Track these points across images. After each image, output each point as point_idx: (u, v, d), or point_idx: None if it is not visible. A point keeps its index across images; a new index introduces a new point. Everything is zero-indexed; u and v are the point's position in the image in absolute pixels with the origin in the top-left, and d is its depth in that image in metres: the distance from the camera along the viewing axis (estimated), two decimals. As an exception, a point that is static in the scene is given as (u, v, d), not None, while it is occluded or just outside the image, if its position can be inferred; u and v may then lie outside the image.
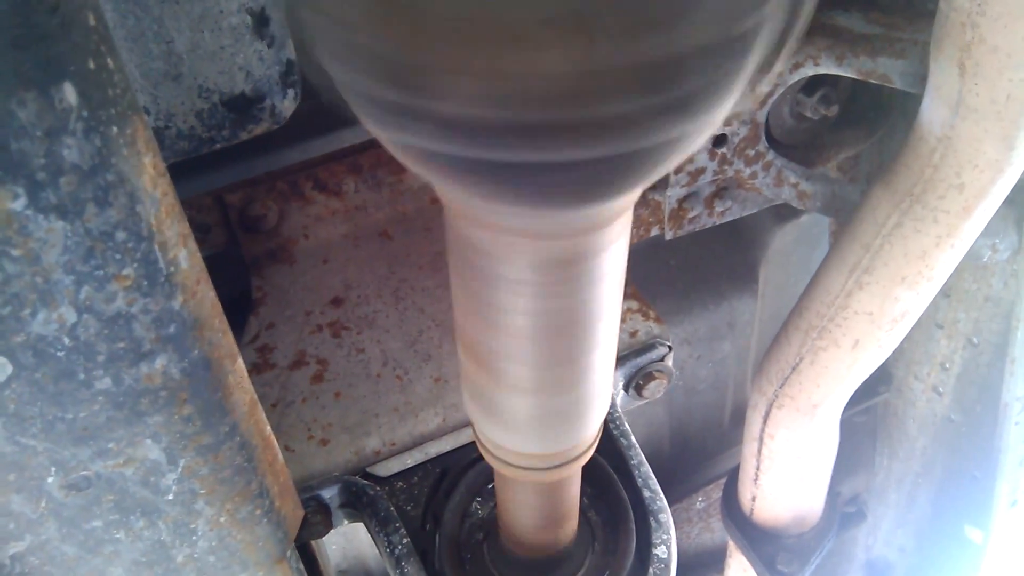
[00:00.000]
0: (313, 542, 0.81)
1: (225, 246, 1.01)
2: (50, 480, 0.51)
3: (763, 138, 1.04)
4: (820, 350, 0.99)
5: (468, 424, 0.70)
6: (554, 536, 0.71)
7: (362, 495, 0.81)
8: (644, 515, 0.80)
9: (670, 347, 0.94)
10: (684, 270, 1.42)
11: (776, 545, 1.25)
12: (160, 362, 0.49)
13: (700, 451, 1.62)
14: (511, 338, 0.48)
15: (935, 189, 0.83)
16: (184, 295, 0.48)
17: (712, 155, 1.04)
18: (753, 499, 1.23)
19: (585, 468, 0.63)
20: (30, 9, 0.36)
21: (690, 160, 1.03)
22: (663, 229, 1.12)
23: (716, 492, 1.55)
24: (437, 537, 0.80)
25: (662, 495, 0.82)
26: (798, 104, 1.08)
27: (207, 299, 0.51)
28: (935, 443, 1.41)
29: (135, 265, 0.44)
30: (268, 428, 0.63)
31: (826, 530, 1.26)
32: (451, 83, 0.30)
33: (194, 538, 0.59)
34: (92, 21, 0.39)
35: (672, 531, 0.80)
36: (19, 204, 0.39)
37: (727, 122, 1.01)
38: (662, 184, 1.07)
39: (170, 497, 0.56)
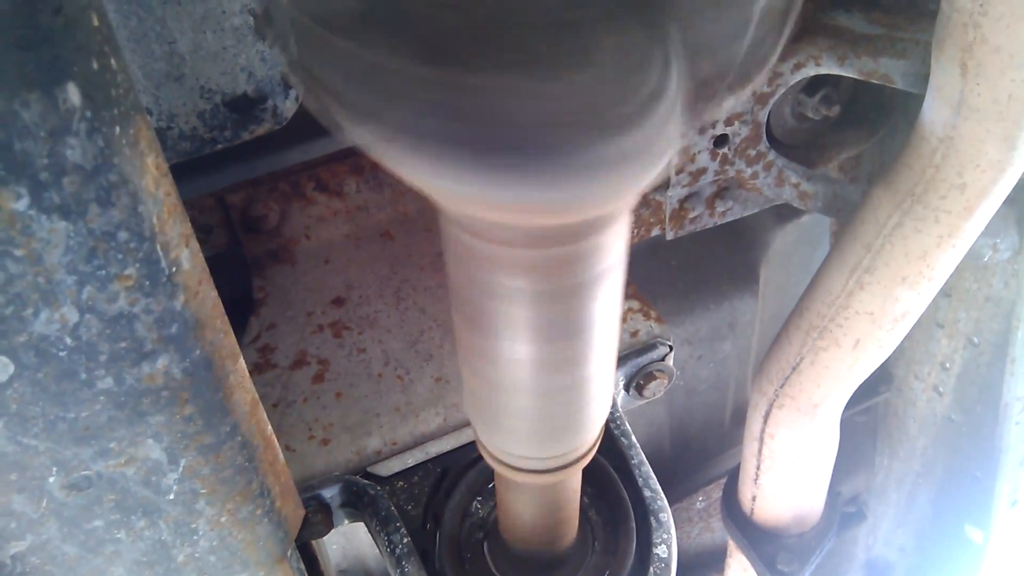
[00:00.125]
0: (314, 542, 0.81)
1: (227, 246, 1.01)
2: (51, 480, 0.51)
3: (764, 138, 1.04)
4: (821, 350, 0.99)
5: (469, 424, 0.71)
6: (554, 536, 0.71)
7: (363, 495, 0.81)
8: (645, 515, 0.80)
9: (671, 347, 0.94)
10: (685, 270, 1.42)
11: (776, 545, 1.25)
12: (162, 362, 0.49)
13: (701, 451, 1.62)
14: (509, 342, 0.48)
15: (936, 189, 0.83)
16: (186, 295, 0.48)
17: (713, 155, 1.04)
18: (753, 499, 1.23)
19: (586, 468, 0.63)
20: (34, 10, 0.36)
21: (691, 160, 1.04)
22: (664, 229, 1.12)
23: (716, 492, 1.55)
24: (437, 537, 0.80)
25: (663, 495, 0.82)
26: (799, 104, 1.08)
27: (209, 299, 0.51)
28: (935, 443, 1.41)
29: (137, 265, 0.45)
30: (269, 428, 0.63)
31: (826, 530, 1.27)
32: None
33: (195, 538, 0.59)
34: (95, 22, 0.39)
35: (673, 531, 0.80)
36: (22, 204, 0.39)
37: (728, 122, 1.01)
38: (663, 184, 1.07)
39: (171, 497, 0.56)
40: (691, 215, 1.12)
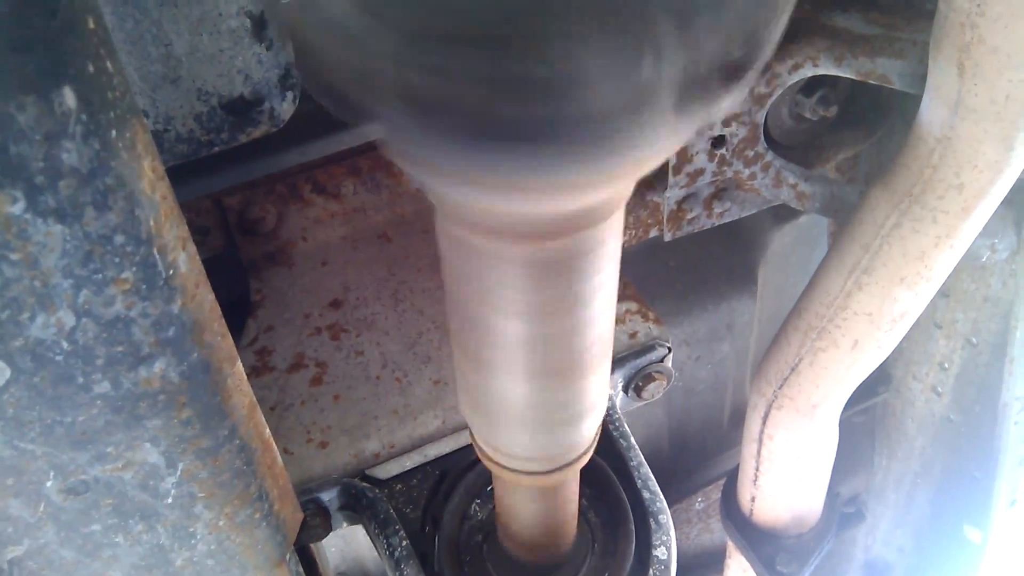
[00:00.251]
0: (312, 545, 0.81)
1: (224, 249, 1.01)
2: (49, 484, 0.50)
3: (762, 139, 1.04)
4: (819, 351, 0.99)
5: (467, 426, 0.70)
6: (553, 538, 0.71)
7: (361, 497, 0.81)
8: (644, 516, 0.80)
9: (669, 348, 0.94)
10: (683, 271, 1.42)
11: (775, 546, 1.25)
12: (159, 366, 0.49)
13: (699, 452, 1.62)
14: (505, 342, 0.48)
15: (934, 189, 0.83)
16: (183, 298, 0.48)
17: (711, 156, 1.04)
18: (752, 500, 1.23)
19: (584, 469, 0.63)
20: (30, 12, 0.35)
21: (689, 161, 1.04)
22: (662, 230, 1.12)
23: (715, 493, 1.55)
24: (436, 539, 0.80)
25: (662, 496, 0.82)
26: (797, 105, 1.08)
27: (206, 302, 0.51)
28: (934, 443, 1.42)
29: (134, 268, 0.44)
30: (267, 431, 0.63)
31: (825, 530, 1.27)
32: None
33: (193, 542, 0.59)
34: (91, 24, 0.39)
35: (672, 532, 0.80)
36: (18, 208, 0.39)
37: (726, 123, 1.01)
38: (661, 185, 1.07)
39: (169, 501, 0.55)
40: (689, 216, 1.12)
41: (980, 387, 1.27)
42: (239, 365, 0.56)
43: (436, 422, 0.86)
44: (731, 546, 1.33)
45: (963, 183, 0.81)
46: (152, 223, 0.44)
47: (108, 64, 0.40)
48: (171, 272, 0.47)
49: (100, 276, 0.43)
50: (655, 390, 0.95)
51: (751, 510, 1.25)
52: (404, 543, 0.78)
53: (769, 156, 1.06)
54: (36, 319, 0.43)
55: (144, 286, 0.45)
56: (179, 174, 0.70)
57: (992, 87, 0.74)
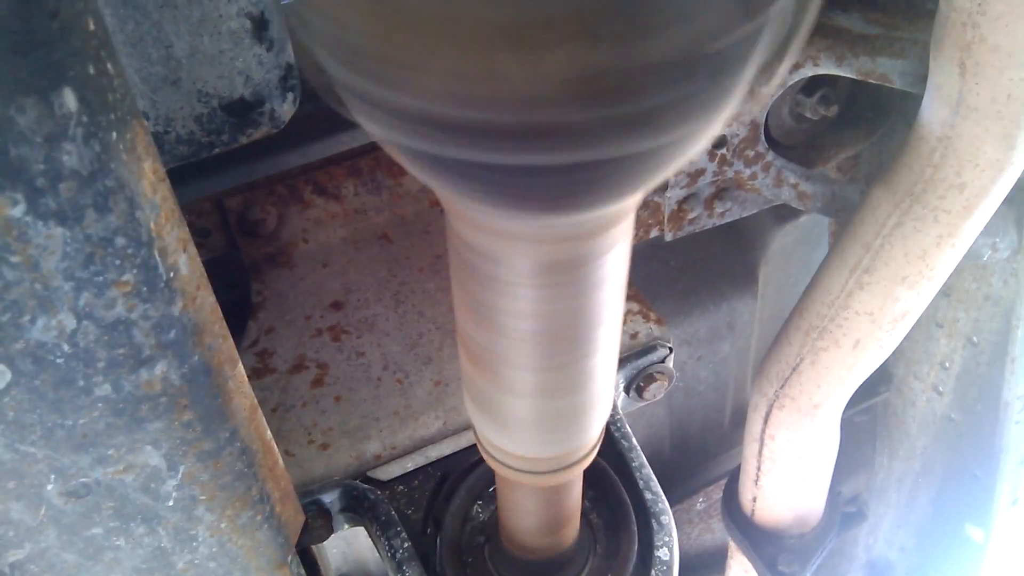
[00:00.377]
0: (314, 546, 0.81)
1: (224, 250, 1.00)
2: (50, 487, 0.50)
3: (762, 139, 1.04)
4: (821, 350, 0.99)
5: (469, 427, 0.70)
6: (556, 539, 0.70)
7: (363, 499, 0.81)
8: (646, 517, 0.80)
9: (671, 348, 0.94)
10: (684, 271, 1.42)
11: (777, 546, 1.25)
12: (160, 368, 0.48)
13: (701, 452, 1.62)
14: (512, 341, 0.48)
15: (935, 189, 0.83)
16: (184, 300, 0.48)
17: (712, 156, 1.04)
18: (754, 500, 1.23)
19: (587, 471, 0.63)
20: (30, 14, 0.35)
21: (690, 161, 1.03)
22: (663, 230, 1.12)
23: (717, 493, 1.55)
24: (438, 541, 0.79)
25: (664, 497, 0.82)
26: (797, 105, 1.08)
27: (207, 304, 0.51)
28: (935, 442, 1.41)
29: (135, 271, 0.44)
30: (268, 433, 0.63)
31: (827, 530, 1.26)
32: (417, 80, 0.30)
33: (194, 544, 0.59)
34: (92, 26, 0.39)
35: (674, 533, 0.80)
36: (18, 210, 0.39)
37: (726, 123, 1.01)
38: (661, 186, 1.07)
39: (170, 503, 0.55)
40: (690, 216, 1.12)
41: (981, 386, 1.27)
42: (240, 367, 0.56)
43: (437, 423, 0.86)
44: (733, 546, 1.33)
45: (964, 182, 0.81)
46: (153, 225, 0.44)
47: (109, 66, 0.40)
48: (172, 274, 0.46)
49: (101, 278, 0.43)
50: (656, 391, 0.95)
51: (753, 510, 1.25)
52: (406, 545, 0.78)
53: (770, 156, 1.06)
54: (37, 322, 0.43)
55: (145, 288, 0.45)
56: (180, 176, 0.70)
57: (993, 86, 0.74)
